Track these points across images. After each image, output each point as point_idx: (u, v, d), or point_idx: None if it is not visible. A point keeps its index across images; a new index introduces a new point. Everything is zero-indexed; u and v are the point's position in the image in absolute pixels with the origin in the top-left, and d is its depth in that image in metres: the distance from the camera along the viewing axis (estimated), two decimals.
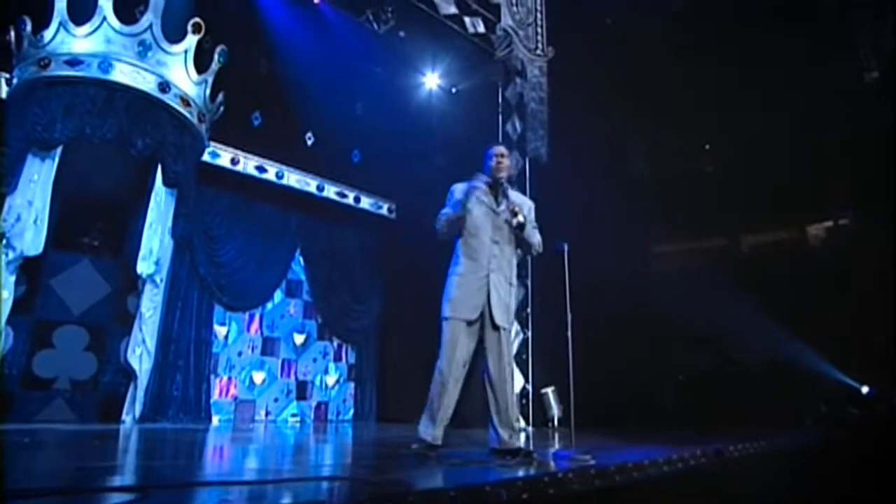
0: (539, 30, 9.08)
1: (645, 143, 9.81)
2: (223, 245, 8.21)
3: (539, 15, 9.14)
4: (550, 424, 7.96)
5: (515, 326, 8.69)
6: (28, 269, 6.45)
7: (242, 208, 8.55)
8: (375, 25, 8.91)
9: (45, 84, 6.29)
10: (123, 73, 6.49)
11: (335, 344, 9.59)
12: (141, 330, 6.65)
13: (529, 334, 8.68)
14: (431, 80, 9.96)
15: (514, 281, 3.64)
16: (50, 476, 2.72)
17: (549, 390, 8.16)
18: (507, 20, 8.69)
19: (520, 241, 3.62)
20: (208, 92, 7.19)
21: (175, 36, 6.79)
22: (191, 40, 6.87)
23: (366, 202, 10.03)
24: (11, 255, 6.15)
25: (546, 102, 8.84)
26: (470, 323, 3.46)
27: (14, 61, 6.36)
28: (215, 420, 7.65)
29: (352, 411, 9.51)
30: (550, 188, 8.49)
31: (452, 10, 8.57)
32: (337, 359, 9.57)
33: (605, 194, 8.23)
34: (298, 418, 8.81)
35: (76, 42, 6.37)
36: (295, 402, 8.89)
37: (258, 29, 8.26)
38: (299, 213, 9.15)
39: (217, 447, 4.49)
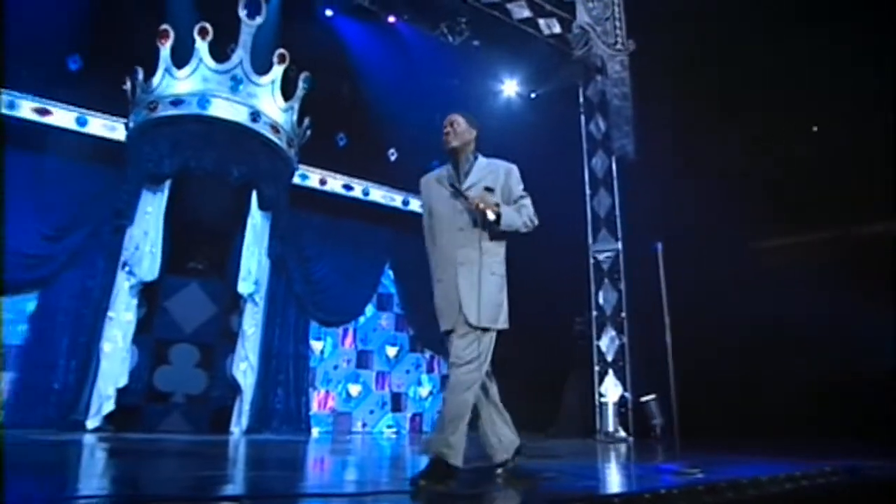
0: (617, 23, 8.78)
1: (739, 133, 9.21)
2: (315, 263, 8.55)
3: (617, 8, 8.84)
4: (653, 434, 7.59)
5: (610, 332, 8.41)
6: (146, 293, 7.04)
7: (332, 227, 8.87)
8: (450, 38, 8.99)
9: (153, 125, 6.87)
10: (219, 108, 6.96)
11: (427, 356, 9.69)
12: (244, 346, 7.05)
13: (625, 340, 8.36)
14: (510, 87, 9.90)
15: (501, 270, 2.95)
16: (173, 483, 2.92)
17: (650, 398, 7.79)
18: (582, 17, 8.47)
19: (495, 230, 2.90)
20: (295, 118, 7.55)
21: (262, 68, 7.21)
22: (277, 71, 7.26)
23: None
24: (133, 280, 6.75)
25: (630, 98, 8.52)
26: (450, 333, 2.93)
27: (129, 107, 6.99)
28: (315, 432, 7.94)
29: None
30: (640, 187, 8.16)
31: (526, 13, 8.50)
32: (429, 370, 9.67)
33: (699, 189, 7.79)
34: (394, 430, 8.97)
35: (178, 84, 6.91)
36: (390, 414, 9.06)
37: (338, 53, 8.59)
38: (387, 227, 9.35)
39: (318, 458, 4.64)
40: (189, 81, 6.92)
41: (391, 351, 9.35)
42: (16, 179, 6.93)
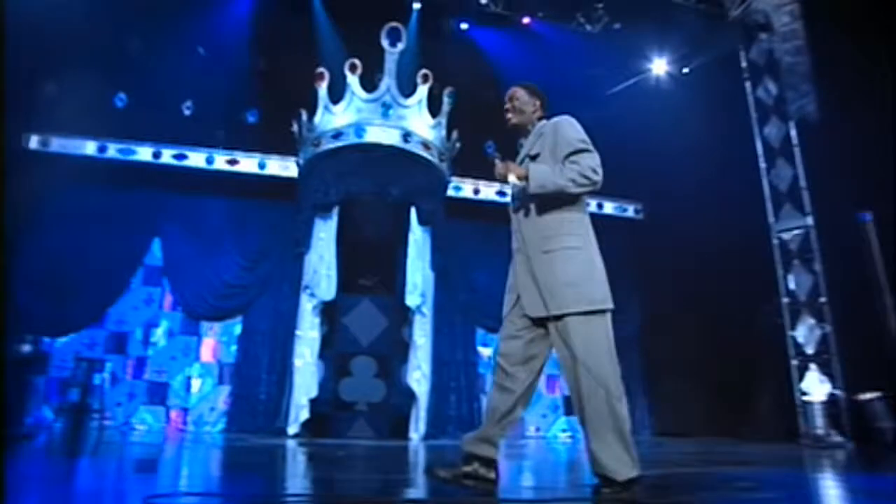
0: None
1: None
2: (477, 271, 8.71)
3: None
4: (880, 440, 6.36)
5: (808, 321, 7.41)
6: (326, 312, 7.71)
7: (490, 234, 8.97)
8: (588, 27, 8.68)
9: (319, 159, 7.56)
10: (374, 134, 7.45)
11: None
12: (416, 356, 7.40)
13: (828, 329, 7.29)
14: (659, 67, 9.25)
15: (565, 243, 2.43)
16: (363, 485, 3.15)
17: (874, 397, 6.56)
18: None
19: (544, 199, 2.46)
20: (444, 132, 7.81)
21: (408, 90, 7.58)
22: (422, 91, 7.58)
23: (609, 207, 9.70)
24: (314, 301, 7.46)
25: (805, 51, 7.45)
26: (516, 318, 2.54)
27: (298, 147, 7.78)
28: None
29: None
30: (831, 152, 7.08)
31: None
32: None
33: None
34: (569, 434, 8.77)
35: (336, 118, 7.53)
36: (563, 418, 8.88)
37: (478, 63, 8.72)
38: None
39: None
40: (345, 115, 7.51)
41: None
42: (218, 222, 8.09)
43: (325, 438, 6.92)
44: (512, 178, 2.48)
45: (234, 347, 8.01)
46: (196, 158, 8.20)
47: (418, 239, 7.77)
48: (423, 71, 7.59)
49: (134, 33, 7.94)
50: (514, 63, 8.87)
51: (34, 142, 7.82)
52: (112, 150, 8.02)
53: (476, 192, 8.95)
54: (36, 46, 6.99)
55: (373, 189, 7.49)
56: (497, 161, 2.54)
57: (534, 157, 2.56)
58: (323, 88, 7.49)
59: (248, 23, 8.07)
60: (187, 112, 8.26)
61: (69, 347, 7.53)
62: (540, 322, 2.47)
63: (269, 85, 8.17)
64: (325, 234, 7.60)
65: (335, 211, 7.61)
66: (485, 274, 8.77)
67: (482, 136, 9.13)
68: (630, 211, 9.81)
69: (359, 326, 7.94)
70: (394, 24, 7.57)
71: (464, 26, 8.88)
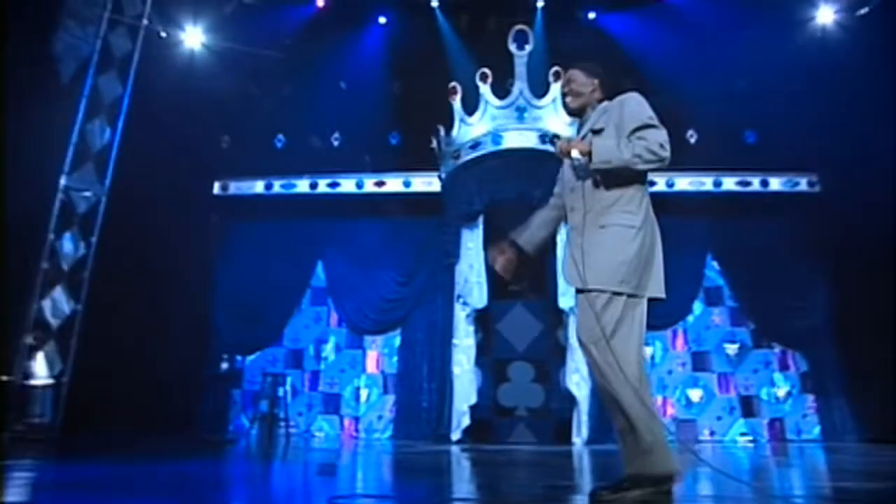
0: None
1: None
2: None
3: None
4: None
5: None
6: (480, 320, 7.85)
7: None
8: None
9: (460, 171, 7.74)
10: (511, 140, 7.50)
11: (777, 350, 8.41)
12: (573, 359, 7.21)
13: None
14: (825, 15, 8.04)
15: (622, 220, 2.36)
16: (527, 490, 3.11)
17: None
18: None
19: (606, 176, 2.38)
20: None
21: (541, 90, 7.49)
22: (555, 89, 7.44)
23: (775, 183, 8.69)
24: (468, 310, 7.64)
25: None
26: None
27: (439, 161, 8.06)
28: None
29: (817, 429, 8.01)
30: None
31: None
32: (783, 367, 8.35)
33: None
34: (750, 438, 7.96)
35: (472, 129, 7.68)
36: (742, 420, 8.09)
37: (612, 51, 8.34)
38: (700, 216, 8.54)
39: None
40: (481, 124, 7.62)
41: (731, 349, 8.40)
42: (372, 241, 8.65)
43: (487, 444, 7.01)
44: (575, 153, 2.40)
45: (395, 358, 8.45)
46: (347, 184, 8.83)
47: (565, 239, 7.60)
48: (555, 68, 7.45)
49: (286, 81, 8.91)
50: (650, 44, 8.36)
51: (216, 188, 8.96)
52: (276, 187, 8.92)
53: None
54: (210, 109, 8.13)
55: (515, 194, 7.48)
56: (556, 141, 2.50)
57: (597, 132, 2.47)
58: (457, 102, 7.68)
59: (381, 51, 8.58)
60: (336, 143, 8.95)
61: (256, 364, 8.48)
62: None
63: (406, 107, 8.61)
64: (472, 244, 7.75)
65: (480, 219, 7.73)
66: None
67: None
68: (803, 184, 8.68)
69: (513, 332, 7.97)
70: (520, 26, 7.56)
71: (591, 15, 8.58)
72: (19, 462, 4.00)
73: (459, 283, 7.69)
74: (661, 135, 2.36)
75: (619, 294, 2.31)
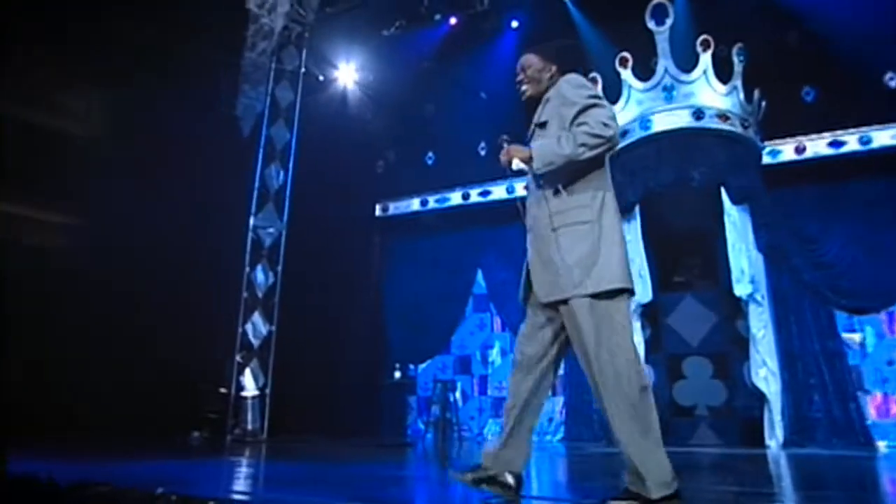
0: None
1: None
2: (821, 243, 7.26)
3: None
4: None
5: None
6: (648, 315, 7.44)
7: (831, 195, 7.39)
8: None
9: (609, 162, 7.41)
10: (660, 122, 7.01)
11: None
12: (758, 351, 6.51)
13: None
14: None
15: (573, 217, 2.21)
16: (708, 496, 2.98)
17: None
18: None
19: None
20: (742, 95, 6.89)
21: (689, 63, 6.93)
22: (705, 59, 6.86)
23: (883, 136, 7.08)
24: (633, 305, 7.27)
25: None
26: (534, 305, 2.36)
27: None
28: (881, 445, 6.42)
29: None
30: None
31: None
32: None
33: None
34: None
35: (619, 117, 7.31)
36: None
37: (766, 3, 7.40)
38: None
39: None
40: (627, 111, 7.25)
41: None
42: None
43: (667, 447, 6.55)
44: (516, 164, 2.28)
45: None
46: (498, 191, 8.94)
47: (736, 220, 6.95)
48: (703, 37, 6.87)
49: (429, 101, 9.34)
50: None
51: (377, 210, 9.66)
52: (431, 202, 9.34)
53: (800, 150, 7.50)
54: (364, 139, 8.88)
55: (672, 179, 7.02)
56: (504, 145, 2.34)
57: (542, 126, 2.37)
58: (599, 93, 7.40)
59: (517, 56, 8.56)
60: (482, 152, 9.12)
61: (427, 372, 8.94)
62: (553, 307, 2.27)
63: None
64: (630, 236, 7.35)
65: (637, 210, 7.34)
66: (836, 244, 7.23)
67: (795, 84, 7.69)
68: None
69: (684, 325, 7.47)
70: (657, 0, 7.07)
71: None
72: (238, 460, 4.76)
73: None
74: (602, 113, 2.23)
75: (593, 296, 2.19)
